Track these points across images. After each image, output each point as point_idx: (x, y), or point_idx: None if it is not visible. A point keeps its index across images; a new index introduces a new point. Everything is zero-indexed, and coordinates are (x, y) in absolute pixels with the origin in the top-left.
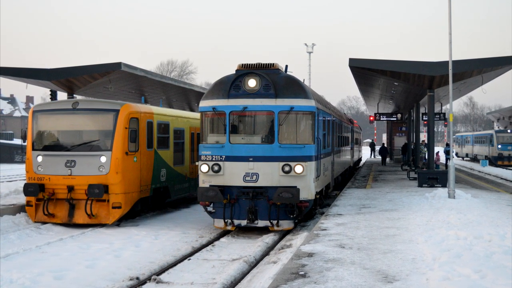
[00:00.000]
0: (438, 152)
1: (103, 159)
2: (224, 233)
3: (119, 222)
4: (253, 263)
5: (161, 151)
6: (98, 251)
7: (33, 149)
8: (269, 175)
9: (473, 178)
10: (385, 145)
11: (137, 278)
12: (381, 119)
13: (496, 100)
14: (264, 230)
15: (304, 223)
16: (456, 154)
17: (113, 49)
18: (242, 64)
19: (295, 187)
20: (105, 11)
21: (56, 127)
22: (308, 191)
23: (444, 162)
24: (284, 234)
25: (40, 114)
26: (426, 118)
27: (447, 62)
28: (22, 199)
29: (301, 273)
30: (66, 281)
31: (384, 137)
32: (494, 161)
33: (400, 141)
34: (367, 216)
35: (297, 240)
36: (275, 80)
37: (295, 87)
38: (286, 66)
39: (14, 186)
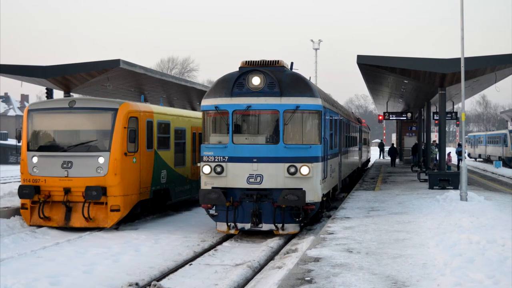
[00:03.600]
0: (450, 152)
1: (101, 160)
2: (227, 237)
3: (117, 226)
4: (257, 268)
5: (162, 151)
6: (96, 255)
7: (28, 149)
8: (273, 176)
9: (486, 179)
10: (395, 146)
11: (137, 284)
12: (391, 118)
13: (510, 99)
14: (269, 234)
15: (310, 226)
16: (469, 154)
17: (111, 45)
18: (246, 61)
19: (301, 189)
20: (103, 6)
21: (52, 126)
22: (314, 193)
23: (456, 163)
24: (289, 238)
25: (36, 113)
26: (437, 117)
27: (459, 59)
28: (16, 201)
29: (307, 278)
30: (63, 287)
31: (394, 137)
32: (508, 162)
33: (410, 141)
34: (376, 219)
35: (303, 245)
36: (280, 78)
37: (300, 85)
38: (292, 64)
39: (9, 188)
